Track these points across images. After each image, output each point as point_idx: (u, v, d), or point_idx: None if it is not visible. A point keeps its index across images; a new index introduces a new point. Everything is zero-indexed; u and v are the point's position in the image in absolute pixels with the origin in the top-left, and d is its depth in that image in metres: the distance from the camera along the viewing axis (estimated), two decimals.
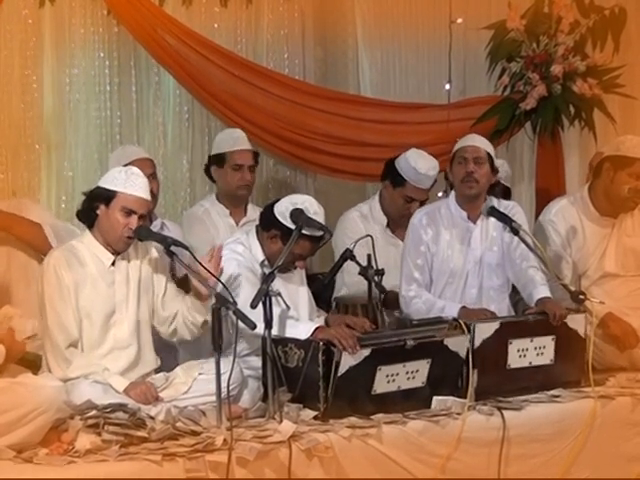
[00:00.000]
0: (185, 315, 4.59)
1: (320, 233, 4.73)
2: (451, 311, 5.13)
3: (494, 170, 5.36)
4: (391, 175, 5.91)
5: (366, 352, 4.46)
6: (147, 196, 4.55)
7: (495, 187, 5.52)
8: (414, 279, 5.36)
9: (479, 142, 5.41)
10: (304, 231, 4.67)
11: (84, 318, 4.46)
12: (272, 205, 4.85)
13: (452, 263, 5.36)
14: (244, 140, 5.92)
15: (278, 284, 4.58)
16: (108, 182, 4.53)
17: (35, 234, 5.04)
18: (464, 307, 5.20)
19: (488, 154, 5.35)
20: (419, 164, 5.81)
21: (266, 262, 4.83)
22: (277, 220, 4.77)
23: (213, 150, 5.98)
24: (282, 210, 4.77)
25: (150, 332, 4.65)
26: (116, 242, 4.52)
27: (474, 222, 5.36)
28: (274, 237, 4.80)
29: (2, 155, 5.93)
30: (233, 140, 5.90)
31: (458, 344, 4.72)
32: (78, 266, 4.49)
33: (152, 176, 5.46)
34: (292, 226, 4.70)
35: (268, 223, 4.83)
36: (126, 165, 4.92)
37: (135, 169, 4.60)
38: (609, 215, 5.64)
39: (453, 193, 5.46)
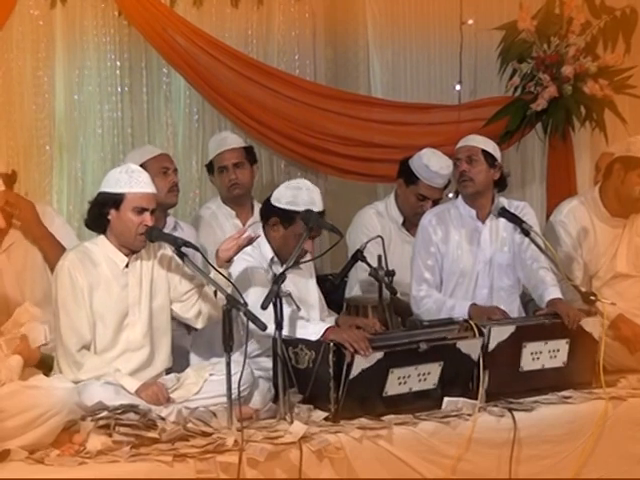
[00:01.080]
0: (204, 292, 4.60)
1: (322, 208, 4.78)
2: (461, 309, 5.14)
3: (495, 166, 5.33)
4: (405, 173, 5.93)
5: (379, 355, 4.45)
6: (153, 190, 4.52)
7: (502, 183, 5.46)
8: (424, 280, 5.35)
9: (472, 141, 5.39)
10: (304, 208, 4.72)
11: (98, 321, 4.46)
12: (269, 197, 4.89)
13: (462, 263, 5.36)
14: (225, 141, 5.94)
15: (287, 278, 4.56)
16: (112, 185, 4.49)
17: (57, 258, 4.81)
18: (474, 304, 5.20)
19: (484, 151, 5.32)
20: (432, 162, 5.82)
21: (275, 259, 4.84)
22: (273, 206, 4.81)
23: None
24: (277, 196, 4.83)
25: (168, 332, 4.64)
26: (133, 242, 4.49)
27: (482, 222, 5.36)
28: (275, 224, 4.83)
29: (15, 156, 5.92)
30: (216, 145, 5.96)
31: (471, 347, 4.71)
32: (92, 268, 4.47)
33: (175, 171, 5.51)
34: (289, 207, 4.73)
35: (267, 213, 4.88)
36: (147, 162, 4.92)
37: (134, 166, 4.59)
38: (620, 215, 5.63)
39: None
